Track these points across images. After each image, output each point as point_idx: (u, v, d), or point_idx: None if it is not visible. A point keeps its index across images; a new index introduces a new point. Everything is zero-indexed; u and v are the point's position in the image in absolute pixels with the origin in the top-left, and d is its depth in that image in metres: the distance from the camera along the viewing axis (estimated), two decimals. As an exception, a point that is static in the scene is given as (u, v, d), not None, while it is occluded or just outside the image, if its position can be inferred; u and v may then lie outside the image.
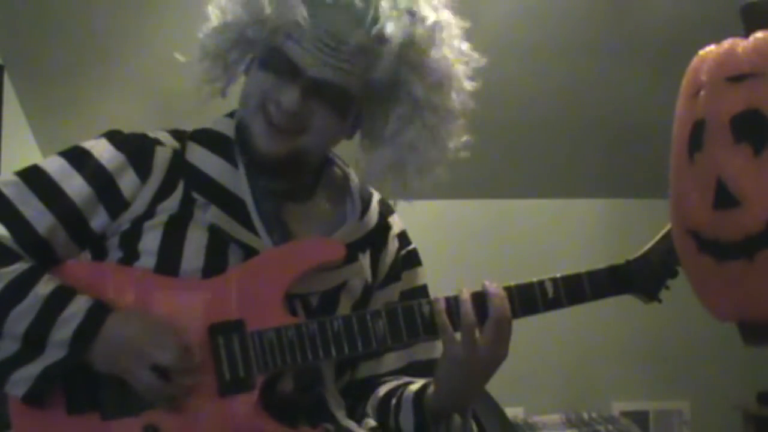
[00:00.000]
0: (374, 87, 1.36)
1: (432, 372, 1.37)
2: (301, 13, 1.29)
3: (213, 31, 1.36)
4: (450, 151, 1.39)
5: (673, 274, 1.34)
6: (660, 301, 1.36)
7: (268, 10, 1.31)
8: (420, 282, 1.51)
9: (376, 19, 1.31)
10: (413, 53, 1.33)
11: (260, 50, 1.35)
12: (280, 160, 1.34)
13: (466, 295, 1.29)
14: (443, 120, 1.37)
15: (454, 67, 1.36)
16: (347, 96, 1.34)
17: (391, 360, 1.46)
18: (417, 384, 1.40)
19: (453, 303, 1.30)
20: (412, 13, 1.32)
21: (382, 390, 1.43)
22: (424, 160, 1.38)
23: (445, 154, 1.39)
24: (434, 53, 1.34)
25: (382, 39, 1.31)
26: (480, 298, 1.29)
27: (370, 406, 1.43)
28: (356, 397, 1.46)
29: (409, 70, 1.35)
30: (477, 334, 1.27)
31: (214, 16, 1.36)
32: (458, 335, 1.28)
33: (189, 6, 3.04)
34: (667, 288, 1.35)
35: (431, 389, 1.35)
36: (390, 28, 1.30)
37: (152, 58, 3.27)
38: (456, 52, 1.37)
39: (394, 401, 1.40)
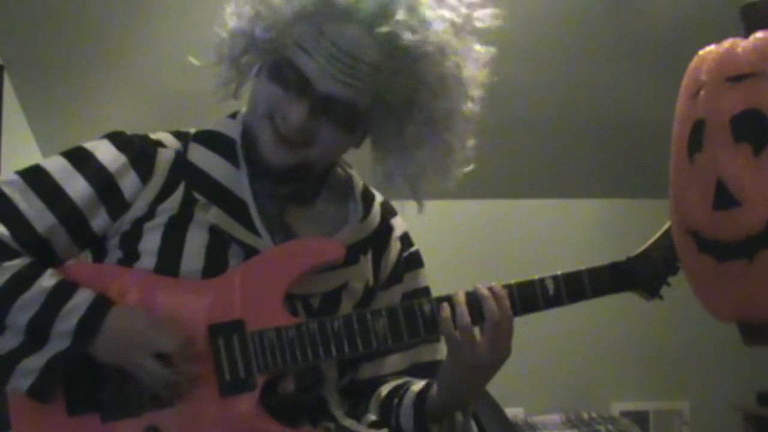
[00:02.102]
0: (388, 103, 1.33)
1: (434, 374, 1.37)
2: (316, 25, 1.25)
3: (228, 35, 1.33)
4: (464, 157, 1.37)
5: (675, 270, 1.33)
6: (661, 297, 1.35)
7: (281, 21, 1.27)
8: (422, 284, 1.51)
9: (394, 38, 1.25)
10: (431, 72, 1.29)
11: (270, 59, 1.32)
12: (287, 169, 1.33)
13: (461, 296, 1.29)
14: (460, 136, 1.35)
15: (471, 78, 1.32)
16: (356, 112, 1.31)
17: (394, 361, 1.46)
18: (419, 384, 1.40)
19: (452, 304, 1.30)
20: (430, 30, 1.27)
21: (385, 389, 1.44)
22: (437, 171, 1.36)
23: (459, 161, 1.37)
24: (453, 69, 1.30)
25: (399, 58, 1.27)
26: (474, 301, 1.29)
27: (372, 405, 1.44)
28: (358, 397, 1.46)
29: (428, 91, 1.31)
30: (477, 333, 1.27)
31: (228, 18, 1.33)
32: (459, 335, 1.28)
33: (190, 6, 3.05)
34: (669, 285, 1.35)
35: (434, 389, 1.36)
36: (408, 47, 1.26)
37: (153, 58, 3.27)
38: (476, 61, 1.32)
39: (395, 400, 1.40)
